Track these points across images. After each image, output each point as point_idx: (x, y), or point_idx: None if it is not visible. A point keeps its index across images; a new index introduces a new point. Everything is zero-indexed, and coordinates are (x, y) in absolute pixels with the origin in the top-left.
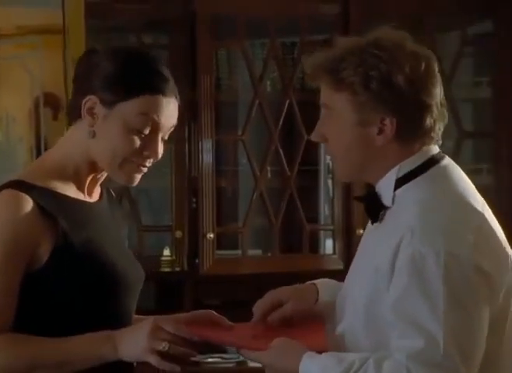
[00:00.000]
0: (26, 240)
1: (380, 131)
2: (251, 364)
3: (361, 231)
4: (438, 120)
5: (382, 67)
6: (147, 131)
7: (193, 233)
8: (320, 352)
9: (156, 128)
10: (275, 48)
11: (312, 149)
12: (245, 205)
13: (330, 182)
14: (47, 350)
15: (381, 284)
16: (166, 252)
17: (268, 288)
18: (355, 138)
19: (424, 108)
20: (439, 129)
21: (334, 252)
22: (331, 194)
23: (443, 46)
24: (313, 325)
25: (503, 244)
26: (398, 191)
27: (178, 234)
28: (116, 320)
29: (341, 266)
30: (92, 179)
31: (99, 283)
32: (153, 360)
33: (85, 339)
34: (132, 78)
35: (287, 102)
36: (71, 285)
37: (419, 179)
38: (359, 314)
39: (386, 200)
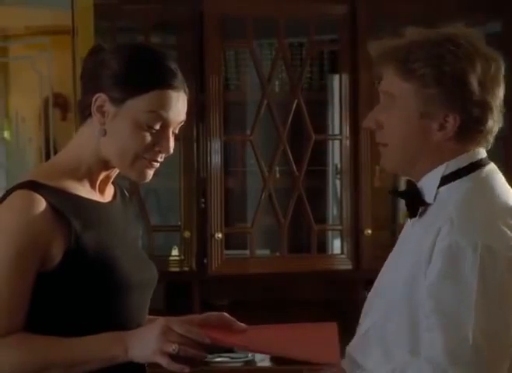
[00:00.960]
0: (38, 240)
1: (441, 127)
2: (259, 364)
3: (369, 231)
4: (496, 123)
5: (457, 64)
6: (157, 127)
7: (201, 233)
8: (332, 353)
9: (166, 123)
10: (283, 48)
11: (320, 149)
12: (253, 205)
13: (338, 182)
14: (58, 351)
15: (419, 276)
16: (175, 252)
17: (276, 288)
18: (414, 129)
19: (488, 109)
20: (495, 132)
21: (342, 252)
22: (339, 195)
23: None
24: (326, 328)
25: None
26: (441, 189)
27: (187, 234)
28: (127, 321)
29: (349, 266)
30: (104, 178)
31: (109, 284)
32: (163, 361)
33: (97, 340)
34: (140, 75)
35: (295, 102)
36: (82, 286)
37: (464, 178)
38: (392, 310)
39: (428, 196)
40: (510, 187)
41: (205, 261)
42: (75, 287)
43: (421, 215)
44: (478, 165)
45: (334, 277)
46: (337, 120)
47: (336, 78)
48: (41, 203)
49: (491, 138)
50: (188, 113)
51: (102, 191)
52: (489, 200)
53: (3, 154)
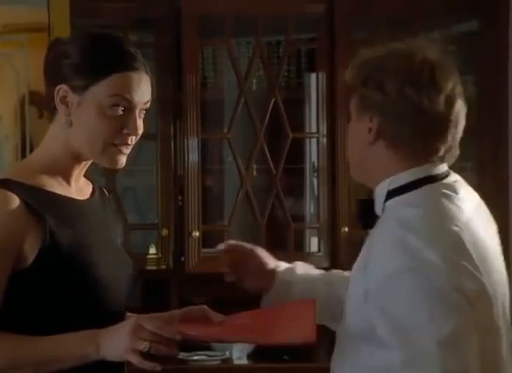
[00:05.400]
0: (12, 239)
1: (369, 130)
2: (236, 361)
3: (346, 229)
4: (454, 138)
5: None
6: (122, 110)
7: (179, 231)
8: (308, 332)
9: (130, 106)
10: (260, 47)
11: (297, 147)
12: (231, 203)
13: (315, 180)
14: (30, 349)
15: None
16: (152, 250)
17: None
18: (354, 134)
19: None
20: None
21: (319, 251)
22: (316, 193)
23: None
24: (304, 306)
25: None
26: (388, 203)
27: (164, 232)
28: (102, 319)
29: (326, 265)
30: (79, 172)
31: (84, 282)
32: (134, 359)
33: (69, 338)
34: (99, 60)
35: (272, 100)
36: (57, 283)
37: (408, 195)
38: (351, 315)
39: (377, 209)
40: (470, 199)
41: (183, 259)
42: (50, 284)
43: (372, 226)
44: (426, 180)
45: None
46: (314, 118)
47: (313, 76)
48: (14, 201)
49: (443, 153)
50: (165, 111)
51: (79, 188)
52: (428, 223)
53: None
